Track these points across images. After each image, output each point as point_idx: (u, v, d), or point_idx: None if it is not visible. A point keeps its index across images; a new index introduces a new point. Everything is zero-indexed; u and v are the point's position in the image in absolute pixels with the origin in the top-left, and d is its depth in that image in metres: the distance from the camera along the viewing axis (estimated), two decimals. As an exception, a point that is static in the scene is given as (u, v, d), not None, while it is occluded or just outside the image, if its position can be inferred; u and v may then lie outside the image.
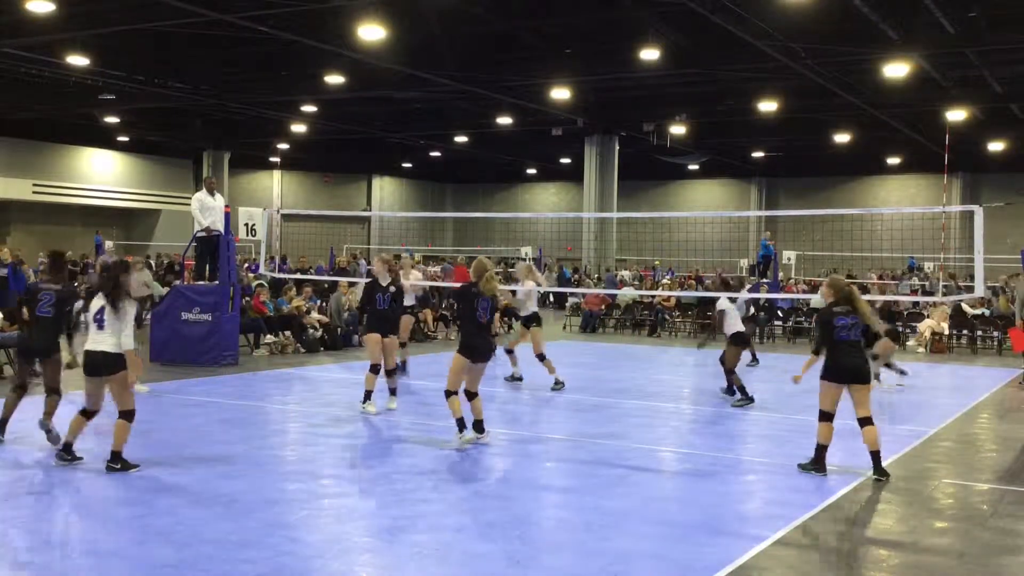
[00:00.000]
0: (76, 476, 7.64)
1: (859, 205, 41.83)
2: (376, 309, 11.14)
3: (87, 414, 8.00)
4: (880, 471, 8.21)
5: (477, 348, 9.04)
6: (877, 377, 12.89)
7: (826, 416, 8.35)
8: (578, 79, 25.98)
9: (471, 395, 9.18)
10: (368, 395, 11.04)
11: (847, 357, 8.26)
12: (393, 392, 11.44)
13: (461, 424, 9.06)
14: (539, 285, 14.16)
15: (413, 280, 14.92)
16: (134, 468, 7.83)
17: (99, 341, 7.78)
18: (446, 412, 11.51)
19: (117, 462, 7.80)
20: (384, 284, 11.17)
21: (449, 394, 9.10)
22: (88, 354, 7.89)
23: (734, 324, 12.45)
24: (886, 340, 12.53)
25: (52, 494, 7.20)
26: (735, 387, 12.24)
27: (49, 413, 8.64)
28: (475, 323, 9.05)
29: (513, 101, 28.58)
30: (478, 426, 9.20)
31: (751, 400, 12.09)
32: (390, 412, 11.26)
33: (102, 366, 7.76)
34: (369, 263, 38.27)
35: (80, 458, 8.01)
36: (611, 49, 23.54)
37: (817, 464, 8.38)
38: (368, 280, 11.76)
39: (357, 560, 5.91)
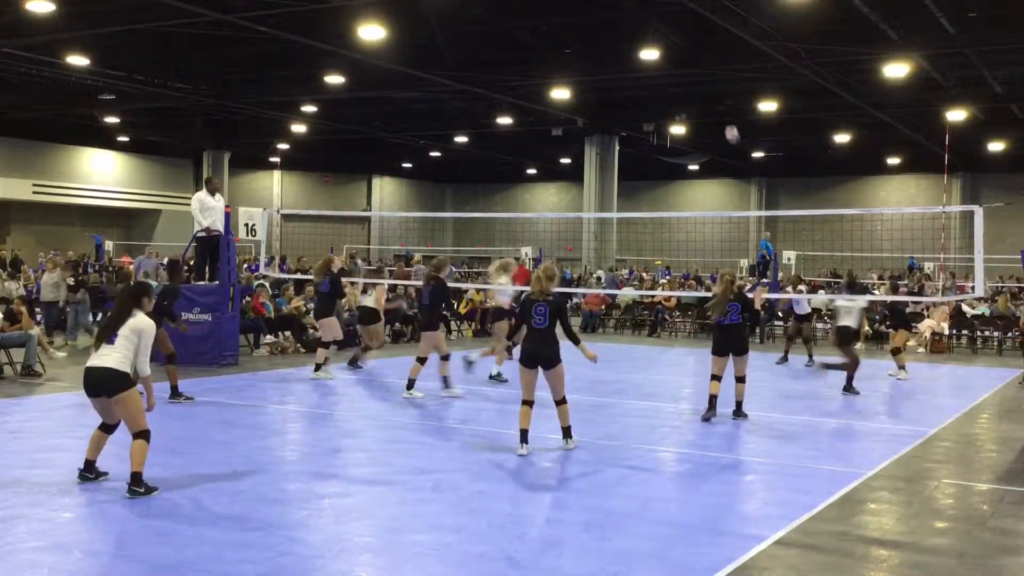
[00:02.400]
0: (73, 476, 7.62)
1: (859, 205, 41.82)
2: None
3: (106, 428, 7.46)
4: (739, 413, 11.06)
5: (527, 353, 8.88)
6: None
7: (716, 377, 11.05)
8: (578, 79, 25.96)
9: (557, 403, 8.97)
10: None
11: (725, 336, 11.02)
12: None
13: (521, 436, 8.90)
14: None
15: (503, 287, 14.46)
16: (155, 491, 7.20)
17: (103, 356, 7.23)
18: (444, 412, 11.55)
19: (140, 485, 7.14)
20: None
21: (522, 402, 8.95)
22: (88, 371, 7.33)
23: (843, 318, 13.94)
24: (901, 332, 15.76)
25: (51, 494, 7.20)
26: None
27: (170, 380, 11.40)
28: (530, 329, 8.89)
29: (513, 101, 28.57)
30: (565, 432, 9.05)
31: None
32: (389, 412, 11.30)
33: (101, 383, 7.20)
34: (368, 263, 38.30)
35: (105, 474, 7.58)
36: (611, 49, 23.53)
37: (710, 410, 11.01)
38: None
39: (357, 560, 5.91)
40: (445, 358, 12.42)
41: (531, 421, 8.90)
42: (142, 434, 7.22)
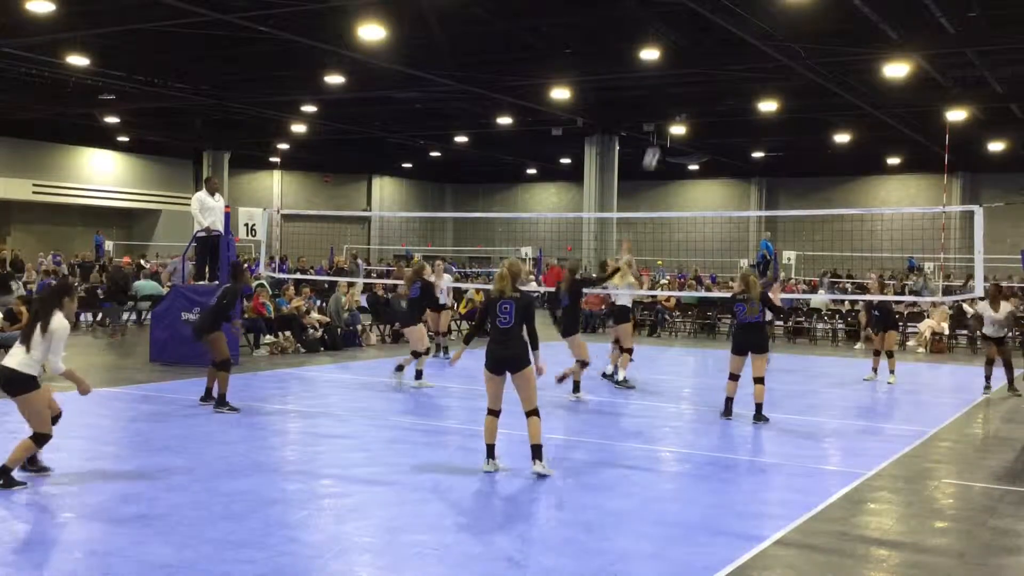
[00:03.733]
0: (73, 476, 7.62)
1: (859, 205, 41.83)
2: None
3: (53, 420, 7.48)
4: (760, 417, 10.86)
5: (491, 357, 8.00)
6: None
7: (733, 377, 11.17)
8: (578, 79, 25.96)
9: (527, 414, 7.97)
10: None
11: (745, 335, 11.01)
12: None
13: (488, 451, 8.11)
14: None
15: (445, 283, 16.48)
16: (20, 485, 7.20)
17: (11, 355, 7.28)
18: (445, 412, 11.56)
19: (2, 477, 7.16)
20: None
21: (487, 412, 8.11)
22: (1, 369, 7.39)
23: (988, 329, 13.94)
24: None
25: (51, 494, 7.20)
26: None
27: (218, 387, 10.92)
28: (494, 329, 8.07)
29: (513, 101, 28.56)
30: (535, 452, 7.95)
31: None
32: (389, 412, 11.30)
33: (6, 383, 7.23)
34: (368, 263, 38.32)
35: (48, 469, 7.63)
36: (611, 49, 23.53)
37: (726, 413, 11.15)
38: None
39: (357, 560, 5.91)
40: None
41: (497, 434, 8.12)
42: (40, 437, 7.24)
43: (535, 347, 8.02)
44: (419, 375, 13.37)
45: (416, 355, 13.39)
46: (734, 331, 11.55)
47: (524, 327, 8.00)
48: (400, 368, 13.42)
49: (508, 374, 7.98)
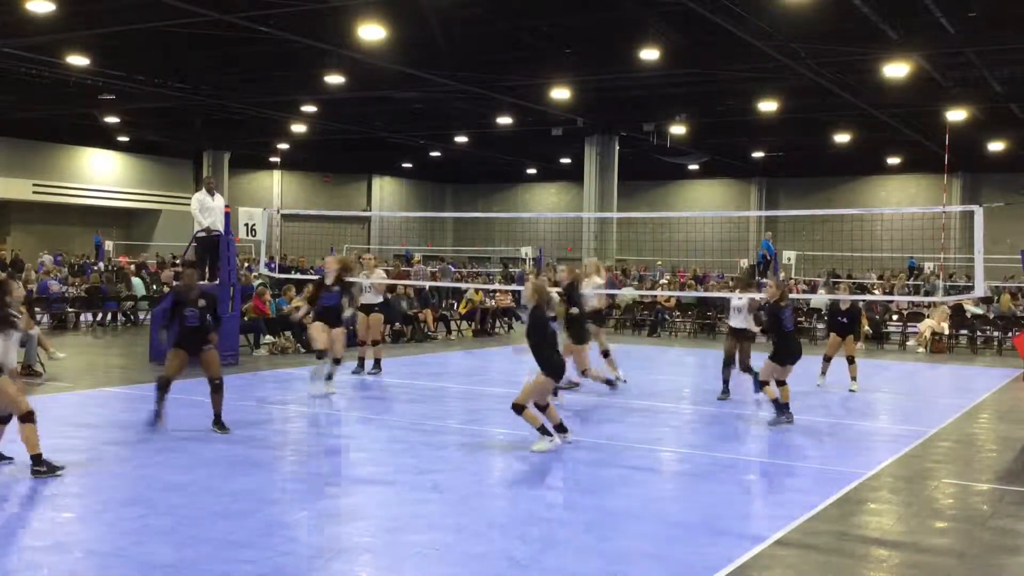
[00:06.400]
0: (73, 476, 7.62)
1: (859, 205, 41.81)
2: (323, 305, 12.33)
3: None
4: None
5: (558, 366, 9.22)
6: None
7: (781, 383, 11.37)
8: (578, 79, 25.95)
9: (542, 407, 9.21)
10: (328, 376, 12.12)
11: (792, 343, 11.35)
12: (329, 377, 12.24)
13: (543, 430, 9.12)
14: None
15: (376, 279, 14.90)
16: (60, 469, 7.54)
17: None
18: (444, 412, 11.55)
19: (41, 465, 7.49)
20: (328, 283, 12.26)
21: (520, 408, 9.05)
22: None
23: (732, 319, 12.98)
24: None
25: (51, 493, 7.20)
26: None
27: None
28: (553, 337, 9.34)
29: (513, 101, 28.55)
30: (561, 428, 9.27)
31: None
32: (389, 412, 11.29)
33: None
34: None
35: (10, 459, 7.83)
36: (611, 49, 23.51)
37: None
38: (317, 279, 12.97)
39: (357, 560, 5.91)
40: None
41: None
42: (26, 416, 7.45)
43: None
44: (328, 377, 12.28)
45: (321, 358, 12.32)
46: (785, 341, 11.26)
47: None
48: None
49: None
